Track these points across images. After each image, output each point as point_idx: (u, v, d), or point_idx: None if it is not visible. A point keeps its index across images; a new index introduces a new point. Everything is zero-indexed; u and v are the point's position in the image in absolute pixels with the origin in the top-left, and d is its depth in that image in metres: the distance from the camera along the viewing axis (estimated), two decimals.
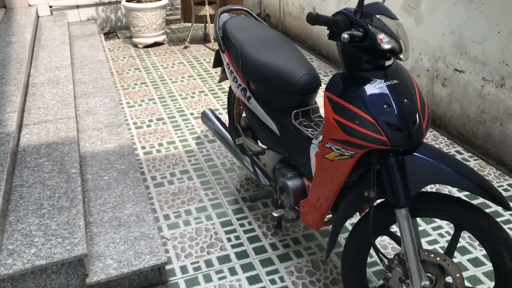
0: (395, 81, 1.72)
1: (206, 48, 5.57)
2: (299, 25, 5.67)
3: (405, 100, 1.70)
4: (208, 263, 2.41)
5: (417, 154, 1.71)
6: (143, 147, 3.52)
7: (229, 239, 2.57)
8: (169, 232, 2.64)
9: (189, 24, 6.23)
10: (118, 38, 6.02)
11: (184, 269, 2.38)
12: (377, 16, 1.68)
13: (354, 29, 1.64)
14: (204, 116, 3.08)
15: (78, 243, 2.13)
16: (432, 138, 3.53)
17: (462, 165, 1.69)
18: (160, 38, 5.68)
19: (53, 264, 2.06)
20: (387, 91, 1.69)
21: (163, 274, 2.28)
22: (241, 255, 2.46)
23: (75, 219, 2.29)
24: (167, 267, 2.39)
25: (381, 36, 1.64)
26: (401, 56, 1.73)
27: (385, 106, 1.67)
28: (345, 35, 1.54)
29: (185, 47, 5.60)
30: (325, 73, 4.76)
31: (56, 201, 2.42)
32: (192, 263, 2.42)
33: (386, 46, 1.65)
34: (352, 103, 1.71)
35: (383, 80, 1.71)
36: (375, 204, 1.79)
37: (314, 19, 1.55)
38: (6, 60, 4.03)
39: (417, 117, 1.70)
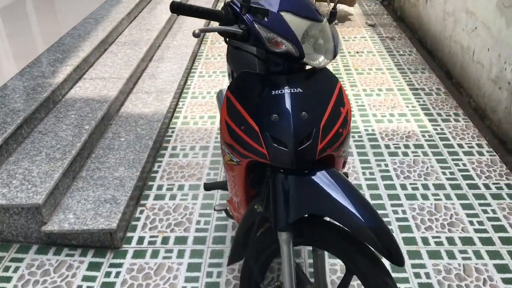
0: (298, 90, 1.51)
1: None
2: (414, 13, 5.14)
3: (303, 113, 1.48)
4: (174, 240, 2.44)
5: (310, 177, 1.50)
6: (184, 117, 3.62)
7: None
8: (152, 203, 2.72)
9: None
10: None
11: (140, 240, 2.45)
12: (282, 13, 1.48)
13: (239, 24, 1.47)
14: None
15: (40, 193, 2.33)
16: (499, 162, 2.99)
17: (360, 201, 1.43)
18: None
19: (13, 206, 2.29)
20: (282, 100, 1.50)
21: (115, 239, 2.38)
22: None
23: (54, 171, 2.49)
24: (129, 234, 2.48)
25: (269, 35, 1.44)
26: (315, 62, 1.51)
27: (274, 116, 1.48)
28: (195, 31, 1.39)
29: None
30: (415, 69, 4.29)
31: (53, 151, 2.66)
32: (151, 236, 2.47)
33: (276, 49, 1.45)
34: (244, 106, 1.55)
35: (286, 87, 1.51)
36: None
37: (176, 7, 1.42)
38: (103, 18, 4.43)
39: (313, 134, 1.48)
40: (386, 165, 2.99)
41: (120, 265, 2.30)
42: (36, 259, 2.32)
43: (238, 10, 1.45)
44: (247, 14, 1.45)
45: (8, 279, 2.20)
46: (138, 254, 2.36)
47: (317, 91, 1.54)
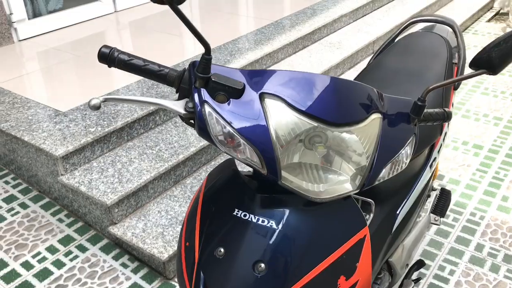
0: (271, 224, 0.93)
1: None
2: None
3: (260, 265, 0.91)
4: None
5: None
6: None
7: None
8: None
9: None
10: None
11: None
12: (267, 99, 0.91)
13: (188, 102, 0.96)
14: None
15: (116, 192, 2.20)
16: None
17: None
18: None
19: (89, 196, 2.22)
20: (241, 230, 0.95)
21: (167, 269, 2.11)
22: None
23: (148, 171, 2.33)
24: None
25: (226, 131, 0.90)
26: (307, 190, 0.92)
27: (220, 250, 0.96)
28: (93, 101, 0.92)
29: None
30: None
31: (165, 149, 2.50)
32: None
33: (232, 153, 0.91)
34: (202, 214, 1.04)
35: (255, 211, 0.95)
36: None
37: (104, 56, 0.96)
38: (322, 10, 4.05)
39: None
40: None
41: None
42: (95, 255, 2.23)
43: (192, 76, 0.93)
44: (203, 89, 0.92)
45: (60, 265, 2.17)
46: None
47: (306, 236, 0.93)
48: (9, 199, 2.51)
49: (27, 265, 2.16)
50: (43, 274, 2.12)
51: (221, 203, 0.99)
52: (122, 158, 2.44)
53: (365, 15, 4.37)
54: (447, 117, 1.15)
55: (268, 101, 0.89)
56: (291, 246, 0.93)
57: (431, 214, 1.88)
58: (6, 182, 2.64)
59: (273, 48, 3.38)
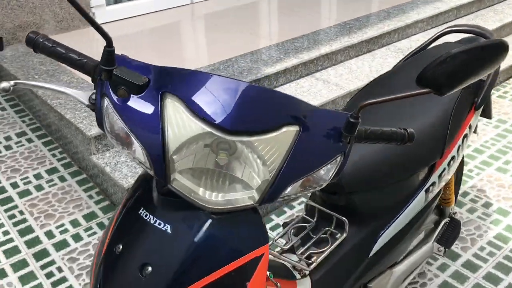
0: (167, 227, 0.91)
1: None
2: None
3: (147, 268, 0.90)
4: None
5: None
6: None
7: None
8: None
9: None
10: None
11: None
12: (169, 98, 0.89)
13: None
14: None
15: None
16: None
17: None
18: None
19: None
20: (139, 228, 0.95)
21: None
22: None
23: None
24: None
25: (119, 127, 0.90)
26: (197, 197, 0.89)
27: (119, 246, 0.96)
28: (3, 84, 0.93)
29: None
30: None
31: None
32: None
33: (126, 151, 0.90)
34: (118, 212, 1.04)
35: (155, 213, 0.94)
36: None
37: (31, 41, 0.97)
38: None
39: None
40: None
41: None
42: None
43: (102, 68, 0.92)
44: (106, 82, 0.91)
45: (78, 239, 2.29)
46: None
47: (198, 246, 0.90)
48: (51, 171, 2.70)
49: (49, 234, 2.31)
50: (60, 245, 2.25)
51: (134, 201, 0.98)
52: None
53: (446, 22, 4.08)
54: (408, 138, 1.04)
55: (168, 101, 0.87)
56: (180, 254, 0.89)
57: (435, 244, 1.72)
58: (54, 155, 2.84)
59: (332, 49, 3.27)
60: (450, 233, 1.73)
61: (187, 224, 0.90)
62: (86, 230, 2.34)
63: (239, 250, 0.90)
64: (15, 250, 2.22)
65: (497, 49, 0.88)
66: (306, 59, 3.14)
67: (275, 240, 1.39)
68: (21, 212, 2.43)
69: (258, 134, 0.86)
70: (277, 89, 3.05)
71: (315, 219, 1.43)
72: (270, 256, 1.17)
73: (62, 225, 2.36)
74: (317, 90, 3.02)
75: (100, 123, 0.93)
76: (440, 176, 1.52)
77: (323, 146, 0.94)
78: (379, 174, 1.33)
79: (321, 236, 1.39)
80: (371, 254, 1.43)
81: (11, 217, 2.40)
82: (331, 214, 1.39)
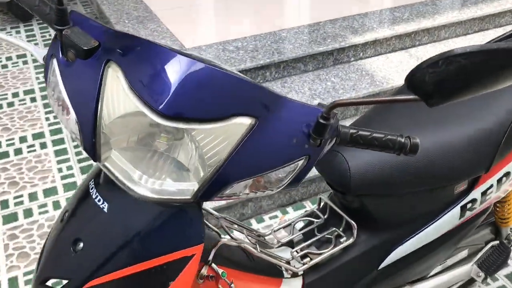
0: (105, 205, 0.86)
1: None
2: None
3: (79, 244, 0.86)
4: None
5: None
6: None
7: None
8: None
9: None
10: None
11: None
12: (112, 65, 0.80)
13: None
14: None
15: None
16: None
17: None
18: None
19: None
20: (83, 203, 0.91)
21: None
22: None
23: None
24: None
25: (59, 94, 0.84)
26: (126, 182, 0.83)
27: (66, 212, 0.94)
28: None
29: None
30: None
31: None
32: None
33: (63, 121, 0.85)
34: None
35: (99, 189, 0.89)
36: None
37: None
38: None
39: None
40: None
41: None
42: None
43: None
44: (58, 42, 0.85)
45: (28, 214, 2.34)
46: None
47: (129, 231, 0.84)
48: (38, 136, 2.67)
49: (4, 204, 2.29)
50: (8, 218, 2.30)
51: (90, 172, 0.94)
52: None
53: None
54: (409, 149, 0.86)
55: (110, 71, 0.78)
56: (110, 237, 0.83)
57: (475, 267, 1.48)
58: (47, 119, 2.80)
59: (434, 23, 2.93)
60: (495, 258, 1.47)
61: (122, 207, 0.83)
62: (40, 206, 2.24)
63: (169, 246, 0.81)
64: None
65: None
66: (401, 31, 2.85)
67: (274, 231, 1.28)
68: None
69: (199, 122, 0.75)
70: (362, 61, 2.82)
71: (325, 216, 1.29)
72: (254, 251, 1.07)
73: (21, 196, 2.28)
74: (407, 68, 2.74)
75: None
76: (485, 193, 1.28)
77: (283, 145, 0.80)
78: (396, 180, 1.15)
79: (326, 236, 1.25)
80: (382, 266, 1.26)
81: None
82: (342, 215, 1.24)
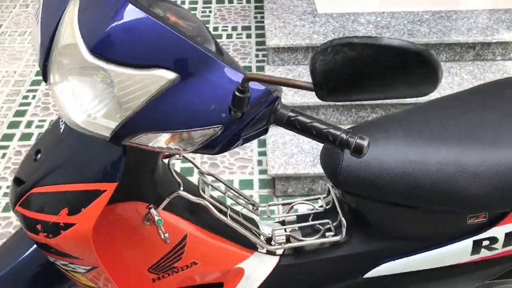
0: (62, 126, 0.96)
1: None
2: None
3: (38, 155, 0.98)
4: None
5: None
6: None
7: None
8: None
9: None
10: None
11: None
12: None
13: None
14: None
15: None
16: None
17: None
18: None
19: None
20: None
21: None
22: None
23: None
24: None
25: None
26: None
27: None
28: None
29: None
30: None
31: None
32: None
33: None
34: None
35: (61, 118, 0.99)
36: None
37: None
38: None
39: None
40: None
41: None
42: None
43: None
44: None
45: None
46: None
47: (63, 153, 0.93)
48: None
49: None
50: None
51: None
52: None
53: None
54: (353, 150, 0.77)
55: (73, 2, 0.82)
56: (56, 153, 0.91)
57: None
58: None
59: None
60: None
61: (70, 130, 0.89)
62: None
63: (89, 176, 0.86)
64: None
65: (418, 61, 0.53)
66: None
67: (270, 205, 1.24)
68: None
69: (118, 65, 0.76)
70: (509, 63, 2.44)
71: (327, 207, 1.21)
72: (215, 212, 1.05)
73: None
74: None
75: None
76: (510, 234, 1.05)
77: (201, 108, 0.78)
78: (392, 187, 1.01)
79: (317, 226, 1.18)
80: (369, 275, 1.15)
81: None
82: (337, 210, 1.15)
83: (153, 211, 0.96)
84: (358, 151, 0.77)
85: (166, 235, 0.97)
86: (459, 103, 1.14)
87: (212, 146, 0.81)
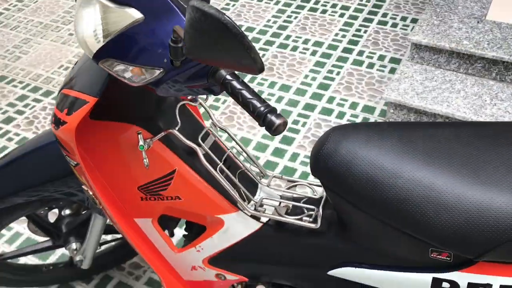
0: None
1: None
2: None
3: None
4: None
5: None
6: None
7: None
8: None
9: None
10: None
11: None
12: None
13: None
14: None
15: None
16: None
17: None
18: None
19: None
20: None
21: None
22: None
23: None
24: None
25: None
26: None
27: None
28: None
29: None
30: None
31: None
32: None
33: None
34: None
35: None
36: None
37: None
38: None
39: None
40: None
41: None
42: None
43: None
44: None
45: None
46: None
47: None
48: None
49: None
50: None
51: None
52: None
53: None
54: (268, 125, 0.80)
55: None
56: (80, 64, 1.09)
57: None
58: None
59: None
60: None
61: None
62: None
63: (83, 86, 1.03)
64: None
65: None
66: None
67: (274, 176, 1.27)
68: None
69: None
70: None
71: (324, 193, 1.20)
72: (202, 159, 1.12)
73: None
74: None
75: None
76: (474, 286, 0.90)
77: (151, 49, 0.87)
78: (365, 193, 0.96)
79: (303, 208, 1.18)
80: (331, 273, 1.12)
81: None
82: (327, 199, 1.14)
83: (140, 136, 1.10)
84: (269, 126, 0.79)
85: (146, 160, 1.10)
86: (465, 130, 1.00)
87: (156, 85, 0.91)
